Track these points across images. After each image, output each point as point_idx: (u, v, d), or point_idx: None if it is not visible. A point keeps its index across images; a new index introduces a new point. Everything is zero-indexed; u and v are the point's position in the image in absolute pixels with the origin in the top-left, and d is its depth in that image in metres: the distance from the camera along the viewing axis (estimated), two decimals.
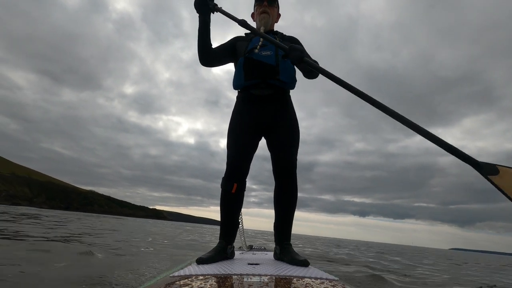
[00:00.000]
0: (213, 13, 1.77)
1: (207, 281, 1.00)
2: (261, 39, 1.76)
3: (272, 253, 1.95)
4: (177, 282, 1.00)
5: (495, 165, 1.14)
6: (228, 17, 1.66)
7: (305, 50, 1.45)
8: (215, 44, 1.87)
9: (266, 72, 1.70)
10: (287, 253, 1.63)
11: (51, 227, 7.52)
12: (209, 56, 1.83)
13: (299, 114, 1.85)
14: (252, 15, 1.96)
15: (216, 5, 1.74)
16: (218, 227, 1.80)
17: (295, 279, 1.09)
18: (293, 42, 1.85)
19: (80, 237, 5.65)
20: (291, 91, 1.83)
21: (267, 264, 1.48)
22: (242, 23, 1.62)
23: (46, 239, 4.59)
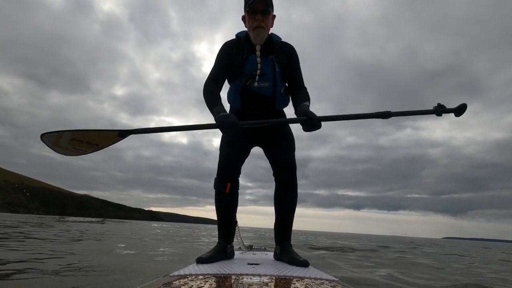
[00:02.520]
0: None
1: (207, 281, 1.00)
2: (259, 63, 1.71)
3: (272, 253, 1.94)
4: (177, 282, 1.00)
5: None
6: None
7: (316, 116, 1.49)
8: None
9: (263, 103, 1.75)
10: (287, 253, 1.64)
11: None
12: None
13: (290, 111, 1.80)
14: (243, 18, 1.79)
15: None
16: (214, 226, 1.81)
17: (295, 279, 1.09)
18: (290, 52, 1.81)
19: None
20: None
21: (267, 264, 1.48)
22: None
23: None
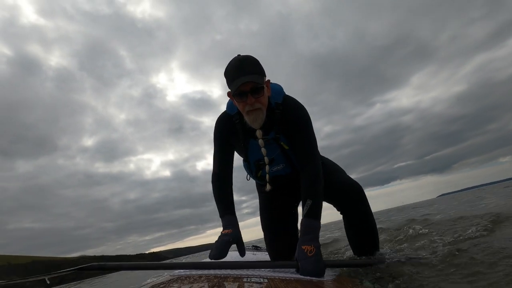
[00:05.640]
0: None
1: (207, 281, 1.00)
2: (262, 148, 1.50)
3: None
4: (177, 281, 1.01)
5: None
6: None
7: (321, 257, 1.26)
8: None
9: (284, 179, 1.63)
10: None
11: None
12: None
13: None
14: (229, 95, 1.45)
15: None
16: None
17: (294, 279, 1.09)
18: (295, 118, 1.48)
19: None
20: None
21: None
22: None
23: None
